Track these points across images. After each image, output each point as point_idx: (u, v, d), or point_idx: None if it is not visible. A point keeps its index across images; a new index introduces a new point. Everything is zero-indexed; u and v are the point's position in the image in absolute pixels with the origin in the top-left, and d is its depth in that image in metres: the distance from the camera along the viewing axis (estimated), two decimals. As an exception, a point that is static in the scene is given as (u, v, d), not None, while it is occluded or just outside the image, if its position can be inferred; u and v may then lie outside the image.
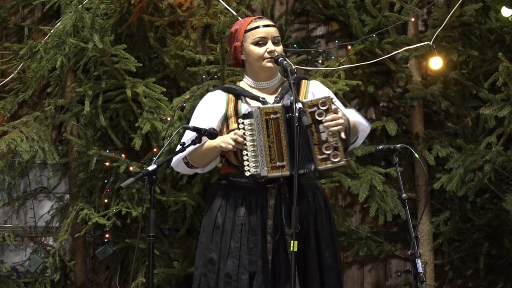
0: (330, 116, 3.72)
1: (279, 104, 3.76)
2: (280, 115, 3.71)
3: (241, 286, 3.75)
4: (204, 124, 3.83)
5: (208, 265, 3.82)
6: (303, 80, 3.99)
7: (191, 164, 3.89)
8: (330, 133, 3.72)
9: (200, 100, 4.01)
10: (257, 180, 3.74)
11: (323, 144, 3.73)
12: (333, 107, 3.74)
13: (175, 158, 3.87)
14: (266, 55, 3.84)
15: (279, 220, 3.77)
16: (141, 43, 5.38)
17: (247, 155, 3.72)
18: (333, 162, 3.73)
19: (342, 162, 3.74)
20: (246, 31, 3.89)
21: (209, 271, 3.82)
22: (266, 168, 3.70)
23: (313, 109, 3.73)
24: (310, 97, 3.90)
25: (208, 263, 3.82)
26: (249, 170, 3.71)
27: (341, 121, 3.73)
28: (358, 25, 5.36)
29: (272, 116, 3.72)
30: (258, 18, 3.95)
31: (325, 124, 3.72)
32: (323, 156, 3.72)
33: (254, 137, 3.71)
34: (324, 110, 3.73)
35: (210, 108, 3.90)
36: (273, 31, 3.88)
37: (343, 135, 3.74)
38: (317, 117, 3.73)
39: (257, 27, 3.88)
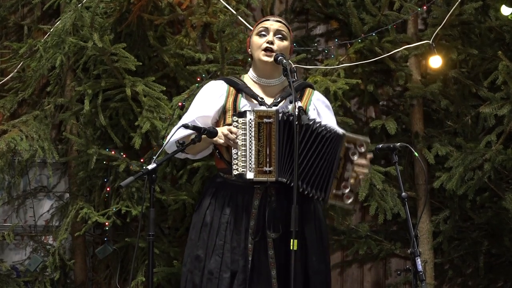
0: (364, 161, 3.74)
1: (273, 109, 3.74)
2: (274, 120, 3.68)
3: (222, 284, 3.74)
4: (202, 112, 3.85)
5: (195, 262, 3.83)
6: (308, 88, 3.99)
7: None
8: (354, 175, 3.72)
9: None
10: (244, 180, 3.73)
11: (343, 182, 3.71)
12: (368, 155, 3.75)
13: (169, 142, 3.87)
14: (264, 45, 3.85)
15: (261, 222, 3.76)
16: (140, 42, 5.38)
17: (236, 153, 3.70)
18: (344, 203, 3.72)
19: (351, 206, 3.76)
20: (257, 25, 3.95)
21: (195, 267, 3.83)
22: (252, 172, 3.68)
23: (349, 146, 3.72)
24: (311, 108, 3.91)
25: (195, 260, 3.83)
26: (237, 169, 3.70)
27: (367, 170, 3.76)
28: (358, 24, 5.36)
29: (265, 120, 3.68)
30: (272, 16, 4.02)
31: (355, 166, 3.72)
32: (338, 193, 3.70)
33: (246, 137, 3.69)
34: (359, 152, 3.73)
35: (210, 98, 3.90)
36: (277, 25, 3.90)
37: (361, 182, 3.75)
38: (350, 155, 3.72)
39: (264, 20, 3.93)
